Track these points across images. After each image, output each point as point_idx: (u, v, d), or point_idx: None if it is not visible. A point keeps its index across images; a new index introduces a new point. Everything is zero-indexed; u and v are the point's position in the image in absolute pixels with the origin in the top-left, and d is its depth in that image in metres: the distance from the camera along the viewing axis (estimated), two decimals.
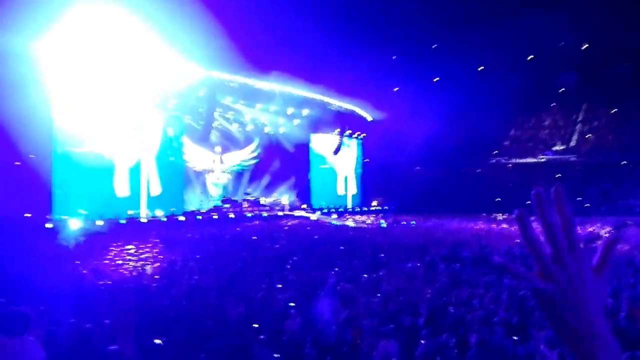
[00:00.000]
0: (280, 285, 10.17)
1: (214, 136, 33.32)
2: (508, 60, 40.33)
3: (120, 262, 13.51)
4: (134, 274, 11.98)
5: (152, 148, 28.05)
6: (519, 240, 18.72)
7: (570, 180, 39.64)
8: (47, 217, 20.74)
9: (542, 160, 42.50)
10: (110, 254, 14.91)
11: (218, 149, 34.12)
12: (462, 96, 41.47)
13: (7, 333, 3.95)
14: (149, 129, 27.85)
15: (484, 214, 34.03)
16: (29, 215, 19.86)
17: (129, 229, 21.76)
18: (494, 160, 44.10)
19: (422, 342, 6.69)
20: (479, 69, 42.74)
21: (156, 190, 27.85)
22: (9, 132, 18.06)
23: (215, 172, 34.16)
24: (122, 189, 25.85)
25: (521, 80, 40.00)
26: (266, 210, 32.27)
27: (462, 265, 13.08)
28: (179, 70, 26.53)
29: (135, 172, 26.82)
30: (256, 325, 7.09)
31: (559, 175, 40.43)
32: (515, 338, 6.66)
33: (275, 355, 6.19)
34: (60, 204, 22.18)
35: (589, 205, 36.48)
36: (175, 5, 22.06)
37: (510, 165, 43.43)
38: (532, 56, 40.71)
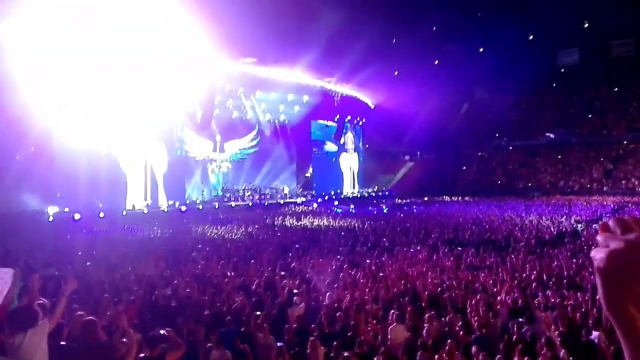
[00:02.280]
0: (283, 273, 10.17)
1: (214, 125, 33.18)
2: (509, 41, 39.92)
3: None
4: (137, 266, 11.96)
5: (160, 146, 28.37)
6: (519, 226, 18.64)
7: (572, 161, 39.52)
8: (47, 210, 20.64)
9: (544, 141, 42.30)
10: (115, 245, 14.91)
11: (218, 137, 33.98)
12: (464, 79, 41.15)
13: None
14: (156, 128, 27.94)
15: (486, 197, 33.98)
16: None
17: (132, 220, 21.80)
18: (495, 143, 43.90)
19: (426, 325, 6.69)
20: (480, 51, 42.35)
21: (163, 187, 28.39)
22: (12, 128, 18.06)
23: (216, 160, 34.07)
24: (136, 200, 26.20)
25: (523, 60, 39.65)
26: (267, 199, 32.26)
27: (464, 248, 13.06)
28: (184, 60, 26.26)
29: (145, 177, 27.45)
30: (259, 313, 7.08)
31: (560, 156, 40.27)
32: (520, 320, 6.65)
33: (279, 344, 6.19)
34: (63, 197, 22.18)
35: (589, 186, 36.39)
36: None
37: (511, 147, 43.23)
38: (532, 36, 40.33)
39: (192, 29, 24.26)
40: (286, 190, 35.34)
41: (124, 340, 4.96)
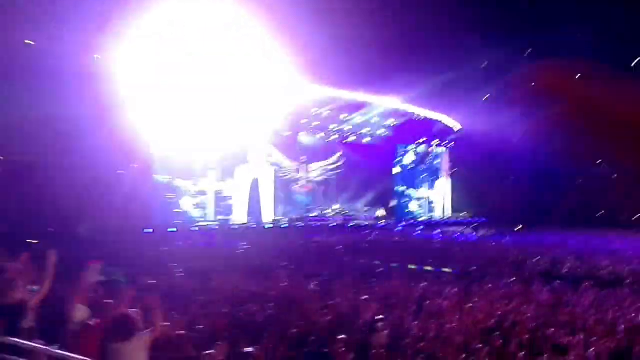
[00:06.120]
0: (366, 297, 10.02)
1: (300, 146, 34.00)
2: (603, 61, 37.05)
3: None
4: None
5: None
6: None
7: None
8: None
9: None
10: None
11: (303, 158, 34.70)
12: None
13: None
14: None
15: (586, 228, 31.48)
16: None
17: (219, 236, 22.77)
18: (596, 169, 40.61)
19: None
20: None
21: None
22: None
23: (301, 181, 34.76)
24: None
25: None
26: (350, 220, 32.34)
27: (562, 283, 12.14)
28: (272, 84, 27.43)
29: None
30: (343, 337, 7.01)
31: None
32: None
33: None
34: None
35: None
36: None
37: (615, 174, 39.77)
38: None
39: (279, 56, 25.39)
40: (380, 214, 35.35)
41: (211, 352, 5.12)
